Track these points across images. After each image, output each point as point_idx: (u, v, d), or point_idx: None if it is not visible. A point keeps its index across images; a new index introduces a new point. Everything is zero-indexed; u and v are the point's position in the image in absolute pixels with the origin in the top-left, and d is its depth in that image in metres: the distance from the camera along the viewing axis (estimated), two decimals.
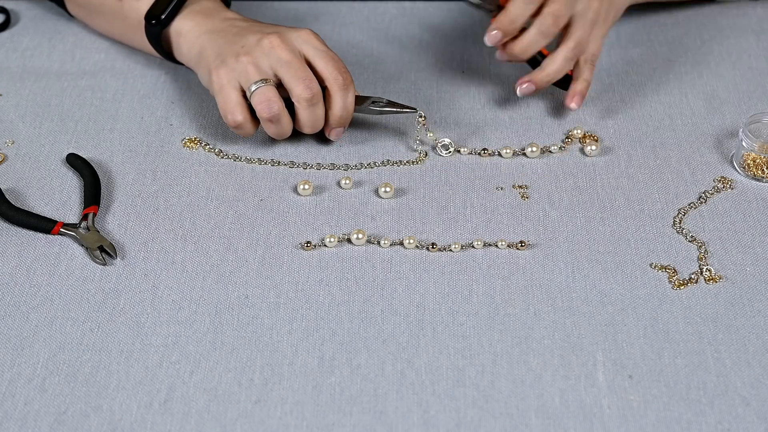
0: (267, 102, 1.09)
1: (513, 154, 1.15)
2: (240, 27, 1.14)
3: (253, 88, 1.09)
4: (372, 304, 0.99)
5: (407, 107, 1.14)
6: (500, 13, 1.15)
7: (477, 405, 0.91)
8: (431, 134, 1.15)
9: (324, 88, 1.11)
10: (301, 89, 1.09)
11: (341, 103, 1.11)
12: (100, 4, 1.24)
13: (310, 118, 1.11)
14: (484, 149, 1.15)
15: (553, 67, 1.17)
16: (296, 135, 1.15)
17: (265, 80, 1.09)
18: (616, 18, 1.21)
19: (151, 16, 1.17)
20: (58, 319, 0.98)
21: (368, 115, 1.16)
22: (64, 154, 1.14)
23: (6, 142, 1.17)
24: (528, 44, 1.15)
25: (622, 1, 1.22)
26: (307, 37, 1.11)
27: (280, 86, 1.10)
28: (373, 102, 1.14)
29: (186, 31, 1.16)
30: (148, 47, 1.21)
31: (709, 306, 0.99)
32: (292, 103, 1.11)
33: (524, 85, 1.17)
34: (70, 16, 1.30)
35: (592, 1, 1.16)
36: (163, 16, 1.16)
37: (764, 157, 1.10)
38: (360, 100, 1.14)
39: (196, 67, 1.15)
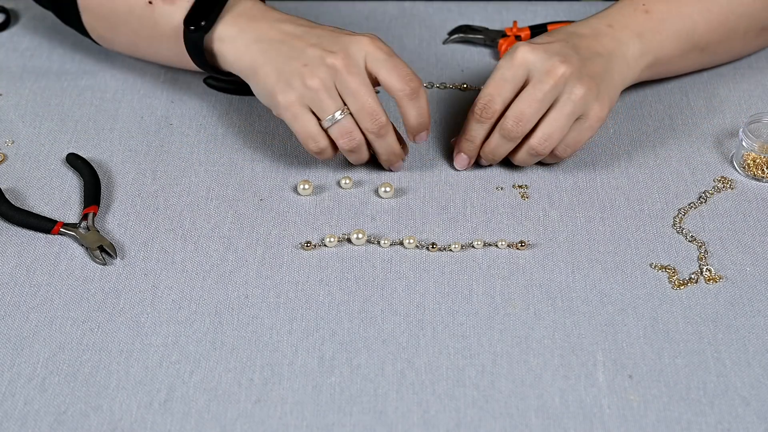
0: (348, 135, 1.06)
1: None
2: (292, 35, 1.07)
3: (331, 122, 1.05)
4: (372, 304, 0.99)
5: None
6: (459, 136, 1.10)
7: (477, 405, 0.91)
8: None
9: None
10: (368, 123, 1.06)
11: (414, 112, 1.07)
12: (128, 11, 1.13)
13: (382, 146, 1.08)
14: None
15: (490, 145, 1.09)
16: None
17: (340, 110, 1.05)
18: (612, 102, 1.08)
19: (190, 21, 1.08)
20: (58, 319, 0.97)
21: None
22: (64, 154, 1.14)
23: (6, 142, 1.17)
24: (493, 149, 1.09)
25: (617, 83, 1.10)
26: (367, 47, 1.06)
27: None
28: None
29: (230, 38, 1.08)
30: (180, 58, 1.13)
31: (709, 306, 0.99)
32: None
33: (459, 157, 1.11)
34: (85, 35, 1.21)
35: (576, 88, 1.05)
36: (203, 23, 1.08)
37: (764, 157, 1.10)
38: None
39: (250, 80, 1.08)
